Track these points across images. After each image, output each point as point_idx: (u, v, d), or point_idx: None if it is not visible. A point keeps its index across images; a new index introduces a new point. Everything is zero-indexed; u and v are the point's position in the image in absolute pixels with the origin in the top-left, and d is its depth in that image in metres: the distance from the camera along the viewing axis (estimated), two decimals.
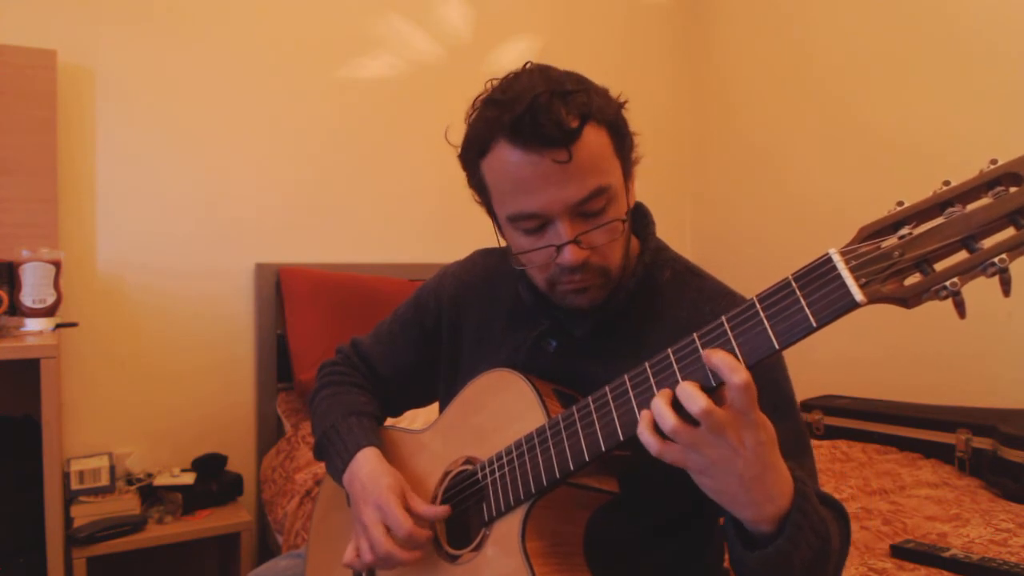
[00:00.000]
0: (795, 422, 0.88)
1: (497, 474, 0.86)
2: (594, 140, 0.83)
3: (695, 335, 0.70)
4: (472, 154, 0.89)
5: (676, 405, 0.68)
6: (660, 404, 0.68)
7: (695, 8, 3.22)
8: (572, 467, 0.79)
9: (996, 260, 0.57)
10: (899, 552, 1.32)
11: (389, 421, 1.14)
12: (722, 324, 0.68)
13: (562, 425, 0.81)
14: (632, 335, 0.93)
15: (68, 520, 1.95)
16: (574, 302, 0.90)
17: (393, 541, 0.89)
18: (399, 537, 0.88)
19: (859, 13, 2.56)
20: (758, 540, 0.72)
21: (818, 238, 0.68)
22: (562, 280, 0.88)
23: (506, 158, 0.83)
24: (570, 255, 0.83)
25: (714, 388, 0.67)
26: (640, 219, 0.99)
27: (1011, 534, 1.42)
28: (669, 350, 0.72)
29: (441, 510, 0.91)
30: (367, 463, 0.96)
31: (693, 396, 0.66)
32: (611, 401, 0.76)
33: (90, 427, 2.19)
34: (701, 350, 0.69)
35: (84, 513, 1.96)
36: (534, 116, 0.80)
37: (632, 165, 0.91)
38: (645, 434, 0.68)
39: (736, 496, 0.70)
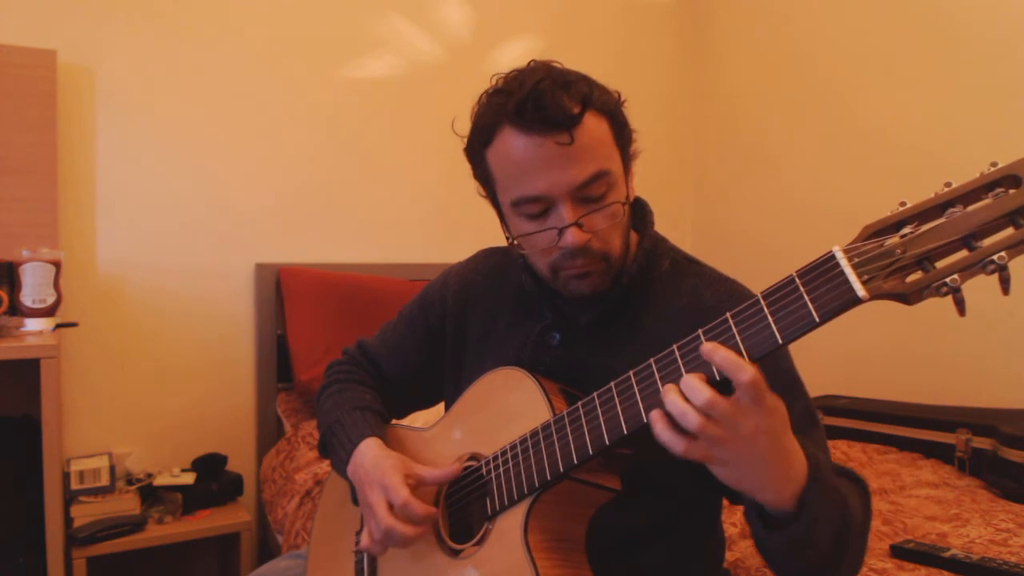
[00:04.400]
0: (804, 399, 0.89)
1: (501, 469, 0.87)
2: (595, 127, 0.86)
3: (700, 331, 0.71)
4: (477, 144, 0.91)
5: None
6: (677, 400, 0.67)
7: (695, 8, 3.22)
8: (576, 461, 0.79)
9: (995, 258, 0.58)
10: (899, 552, 1.32)
11: (394, 421, 1.14)
12: (727, 320, 0.69)
13: (567, 420, 0.81)
14: (634, 323, 0.94)
15: (68, 520, 1.95)
16: (577, 288, 0.91)
17: (395, 517, 0.89)
18: (397, 508, 0.89)
19: (859, 12, 2.56)
20: (780, 521, 0.72)
21: (818, 237, 0.69)
22: (564, 266, 0.89)
23: (510, 143, 0.86)
24: (572, 237, 0.85)
25: (718, 380, 0.68)
26: (639, 213, 1.00)
27: (1011, 534, 1.42)
28: (675, 346, 0.72)
29: (450, 470, 0.92)
30: (369, 451, 0.97)
31: (696, 389, 0.66)
32: (616, 396, 0.77)
33: (90, 427, 2.19)
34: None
35: (84, 513, 1.96)
36: (537, 100, 0.83)
37: (631, 158, 0.93)
38: (666, 434, 0.68)
39: (756, 481, 0.70)
